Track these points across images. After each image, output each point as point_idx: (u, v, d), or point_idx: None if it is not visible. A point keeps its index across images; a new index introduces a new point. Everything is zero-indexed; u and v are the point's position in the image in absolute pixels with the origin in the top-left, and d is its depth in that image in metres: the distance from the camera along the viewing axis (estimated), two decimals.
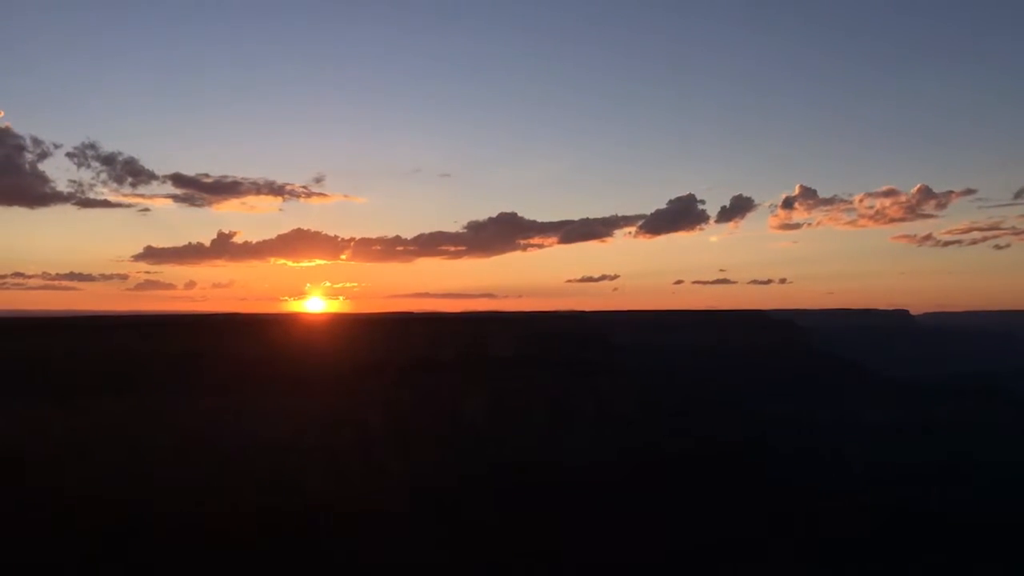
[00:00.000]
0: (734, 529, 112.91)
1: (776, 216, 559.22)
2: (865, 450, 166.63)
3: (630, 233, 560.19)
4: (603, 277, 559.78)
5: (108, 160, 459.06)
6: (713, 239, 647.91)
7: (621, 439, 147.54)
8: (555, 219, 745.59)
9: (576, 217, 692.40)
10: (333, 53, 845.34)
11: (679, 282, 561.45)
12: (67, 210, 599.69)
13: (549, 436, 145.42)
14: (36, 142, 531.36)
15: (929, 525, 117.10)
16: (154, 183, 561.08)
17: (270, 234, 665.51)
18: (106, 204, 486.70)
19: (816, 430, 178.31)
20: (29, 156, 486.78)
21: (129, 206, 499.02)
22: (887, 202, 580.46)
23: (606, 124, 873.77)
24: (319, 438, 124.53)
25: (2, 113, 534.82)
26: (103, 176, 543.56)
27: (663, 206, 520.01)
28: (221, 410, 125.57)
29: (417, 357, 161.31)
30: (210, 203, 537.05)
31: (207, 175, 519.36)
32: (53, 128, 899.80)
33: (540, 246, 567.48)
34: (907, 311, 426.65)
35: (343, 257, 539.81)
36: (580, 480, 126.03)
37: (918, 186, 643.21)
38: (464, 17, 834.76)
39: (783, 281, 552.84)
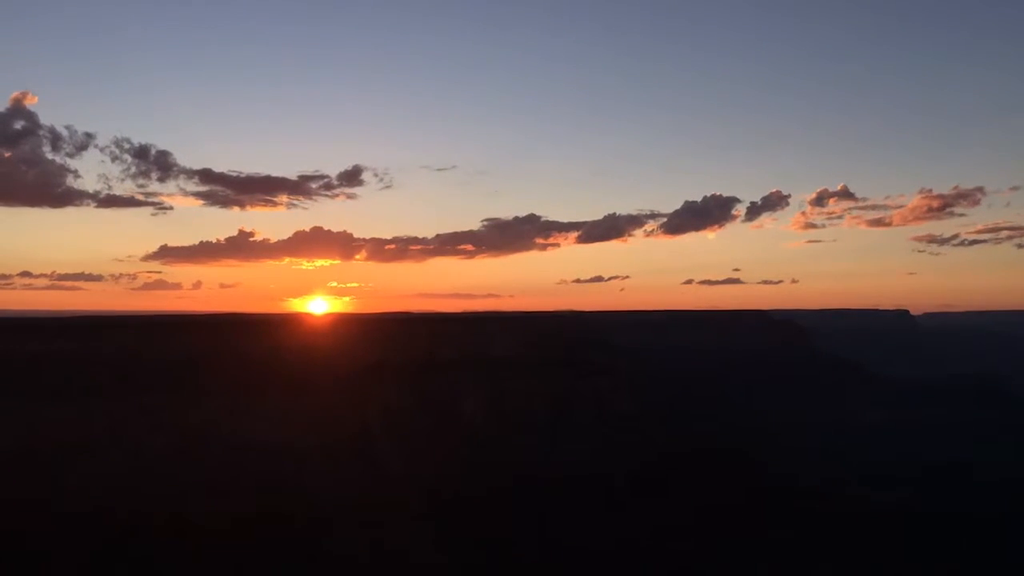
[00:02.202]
0: (734, 528, 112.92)
1: (803, 214, 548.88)
2: (865, 450, 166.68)
3: (650, 232, 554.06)
4: (613, 277, 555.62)
5: (140, 153, 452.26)
6: (734, 238, 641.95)
7: (621, 439, 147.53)
8: (586, 217, 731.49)
9: (606, 214, 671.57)
10: (370, 52, 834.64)
11: (688, 282, 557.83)
12: (89, 208, 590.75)
13: (549, 436, 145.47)
14: (71, 132, 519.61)
15: (929, 525, 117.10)
16: (182, 177, 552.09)
17: (291, 233, 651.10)
18: (132, 202, 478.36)
19: (816, 430, 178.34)
20: (65, 147, 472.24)
21: (152, 204, 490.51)
22: (918, 201, 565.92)
23: (645, 119, 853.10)
24: (319, 438, 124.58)
25: (36, 99, 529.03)
26: (132, 170, 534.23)
27: (696, 202, 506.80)
28: (220, 410, 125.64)
29: (417, 357, 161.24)
30: (237, 201, 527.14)
31: (238, 172, 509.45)
32: (87, 119, 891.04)
33: (557, 245, 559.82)
34: (907, 311, 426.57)
35: (358, 257, 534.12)
36: (580, 480, 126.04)
37: (954, 186, 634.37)
38: (503, 13, 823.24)
39: (794, 281, 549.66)
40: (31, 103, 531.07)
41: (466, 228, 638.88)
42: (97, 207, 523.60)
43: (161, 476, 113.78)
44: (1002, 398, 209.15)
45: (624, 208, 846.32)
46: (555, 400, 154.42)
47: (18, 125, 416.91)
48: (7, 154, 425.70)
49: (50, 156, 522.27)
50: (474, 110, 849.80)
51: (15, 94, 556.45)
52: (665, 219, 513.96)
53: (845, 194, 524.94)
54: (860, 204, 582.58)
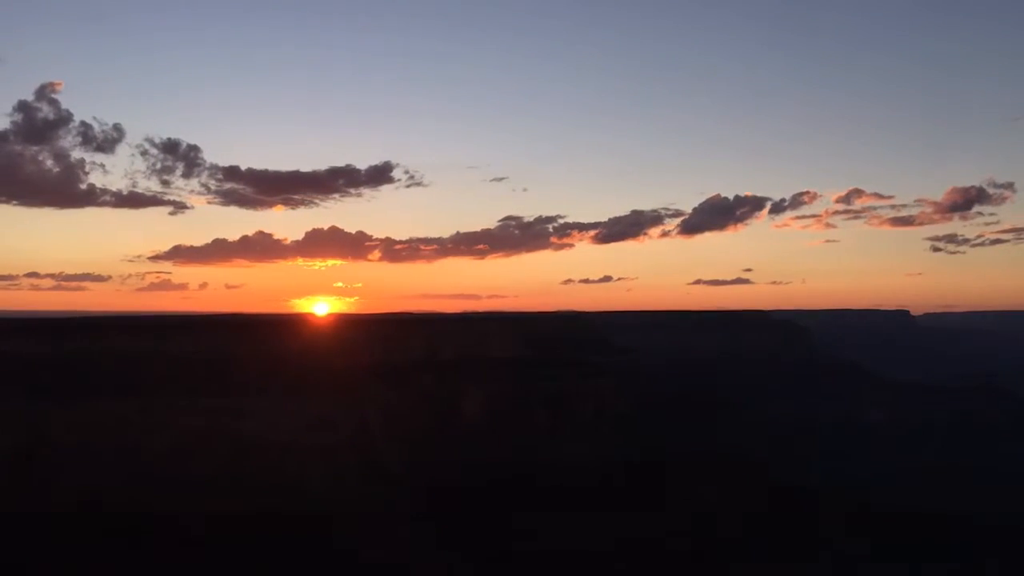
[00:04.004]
0: (734, 529, 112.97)
1: (827, 213, 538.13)
2: (865, 450, 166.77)
3: (667, 231, 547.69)
4: (622, 277, 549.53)
5: (169, 148, 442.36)
6: (754, 237, 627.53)
7: (621, 440, 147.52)
8: (614, 214, 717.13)
9: (632, 210, 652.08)
10: (404, 50, 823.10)
11: (697, 282, 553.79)
12: (108, 208, 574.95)
13: (548, 436, 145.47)
14: (100, 124, 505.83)
15: (929, 524, 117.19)
16: (205, 174, 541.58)
17: (307, 232, 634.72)
18: (152, 200, 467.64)
19: (816, 430, 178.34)
20: (94, 140, 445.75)
21: (171, 203, 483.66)
22: (944, 198, 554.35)
23: (680, 116, 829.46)
24: (319, 438, 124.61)
25: (61, 84, 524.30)
26: (158, 166, 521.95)
27: (721, 200, 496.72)
28: (220, 410, 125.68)
29: (417, 357, 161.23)
30: (258, 200, 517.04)
31: (266, 168, 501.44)
32: (116, 112, 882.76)
33: (571, 245, 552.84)
34: (907, 311, 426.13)
35: (370, 257, 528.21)
36: (580, 480, 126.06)
37: (980, 183, 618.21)
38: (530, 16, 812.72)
39: (803, 282, 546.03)
40: (58, 92, 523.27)
41: (484, 227, 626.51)
42: (115, 207, 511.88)
43: (161, 476, 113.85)
44: (1002, 398, 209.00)
45: (651, 205, 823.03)
46: (555, 400, 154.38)
47: (44, 117, 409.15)
48: (31, 150, 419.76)
49: (75, 151, 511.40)
50: (508, 108, 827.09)
51: (42, 83, 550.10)
52: (686, 217, 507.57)
53: (874, 193, 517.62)
54: (889, 203, 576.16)
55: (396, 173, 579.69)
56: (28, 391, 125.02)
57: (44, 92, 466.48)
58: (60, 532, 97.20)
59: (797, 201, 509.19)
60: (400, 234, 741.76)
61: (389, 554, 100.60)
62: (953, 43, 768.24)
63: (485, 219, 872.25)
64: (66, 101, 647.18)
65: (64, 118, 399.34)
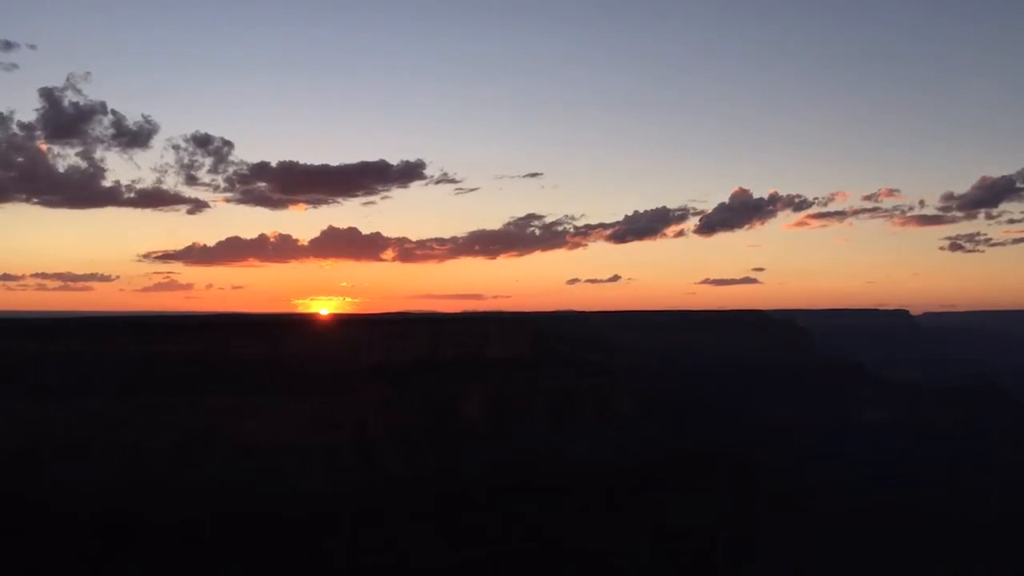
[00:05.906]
0: (734, 528, 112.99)
1: (850, 211, 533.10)
2: (865, 450, 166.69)
3: (680, 231, 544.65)
4: (631, 277, 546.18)
5: (202, 142, 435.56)
6: (771, 236, 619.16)
7: (621, 439, 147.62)
8: (634, 212, 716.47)
9: (660, 206, 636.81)
10: (437, 50, 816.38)
11: (705, 281, 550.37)
12: (128, 207, 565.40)
13: (549, 436, 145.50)
14: (132, 119, 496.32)
15: (929, 524, 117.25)
16: (231, 170, 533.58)
17: (323, 231, 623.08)
18: (174, 199, 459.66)
19: (816, 430, 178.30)
20: (126, 136, 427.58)
21: (191, 201, 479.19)
22: (970, 193, 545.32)
23: (710, 114, 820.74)
24: (319, 438, 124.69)
25: (90, 75, 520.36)
26: (186, 161, 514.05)
27: (742, 198, 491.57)
28: (221, 410, 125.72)
29: (417, 357, 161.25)
30: (278, 200, 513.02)
31: (295, 161, 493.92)
32: (147, 107, 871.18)
33: (584, 245, 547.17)
34: (907, 311, 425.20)
35: (383, 256, 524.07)
36: (579, 479, 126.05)
37: (1018, 170, 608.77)
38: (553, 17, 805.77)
39: (811, 281, 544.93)
40: (86, 82, 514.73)
41: (504, 225, 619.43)
42: (136, 206, 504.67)
43: (161, 476, 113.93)
44: (1002, 398, 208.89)
45: (680, 202, 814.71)
46: (555, 400, 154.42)
47: (75, 103, 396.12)
48: (56, 145, 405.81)
49: (105, 143, 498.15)
50: (547, 105, 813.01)
51: (71, 73, 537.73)
52: (705, 215, 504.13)
53: (904, 192, 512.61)
54: (917, 199, 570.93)
55: (429, 170, 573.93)
56: (28, 391, 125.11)
57: (72, 82, 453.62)
58: (60, 531, 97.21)
59: (826, 199, 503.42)
60: (419, 233, 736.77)
61: (390, 554, 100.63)
62: (991, 40, 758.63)
63: (508, 217, 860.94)
64: (95, 93, 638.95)
65: (96, 109, 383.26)
